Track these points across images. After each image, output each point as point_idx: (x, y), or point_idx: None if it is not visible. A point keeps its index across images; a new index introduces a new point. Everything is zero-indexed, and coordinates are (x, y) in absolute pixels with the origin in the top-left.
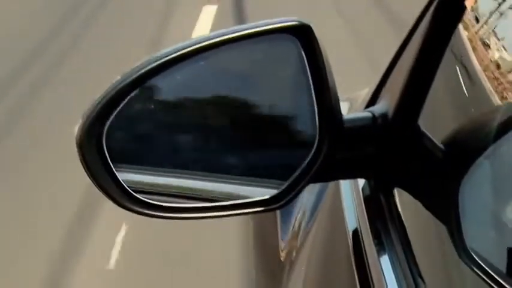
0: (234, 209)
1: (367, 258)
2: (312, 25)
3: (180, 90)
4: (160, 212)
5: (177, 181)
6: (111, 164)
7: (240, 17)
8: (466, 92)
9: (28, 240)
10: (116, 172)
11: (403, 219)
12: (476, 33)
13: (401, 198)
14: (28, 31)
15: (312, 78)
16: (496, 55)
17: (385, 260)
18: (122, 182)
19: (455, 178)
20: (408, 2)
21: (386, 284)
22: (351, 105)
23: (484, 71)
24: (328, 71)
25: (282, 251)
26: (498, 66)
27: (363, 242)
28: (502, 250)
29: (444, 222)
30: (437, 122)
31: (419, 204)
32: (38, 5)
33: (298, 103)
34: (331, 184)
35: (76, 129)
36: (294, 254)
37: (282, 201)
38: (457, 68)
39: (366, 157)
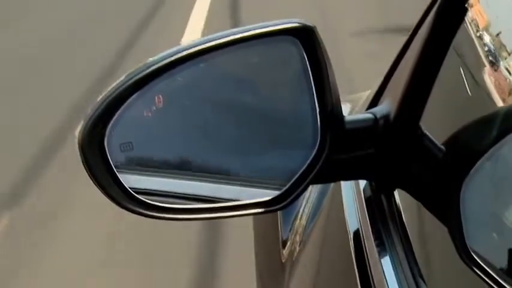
0: (236, 210)
1: (368, 259)
2: (315, 27)
3: (181, 92)
4: (162, 213)
5: (178, 182)
6: (112, 165)
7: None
8: (467, 93)
9: None
10: (117, 173)
11: (404, 220)
12: (478, 34)
13: (403, 199)
14: None
15: (314, 80)
16: (497, 56)
17: (386, 261)
18: (124, 184)
19: (456, 179)
20: None
21: (387, 284)
22: (353, 107)
23: (486, 72)
24: (330, 73)
25: (283, 251)
26: (499, 67)
27: (364, 242)
28: (502, 251)
29: (445, 223)
30: (439, 124)
31: (420, 205)
32: None
33: (299, 104)
34: (333, 185)
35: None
36: (295, 254)
37: (284, 203)
38: (460, 70)
39: (367, 158)
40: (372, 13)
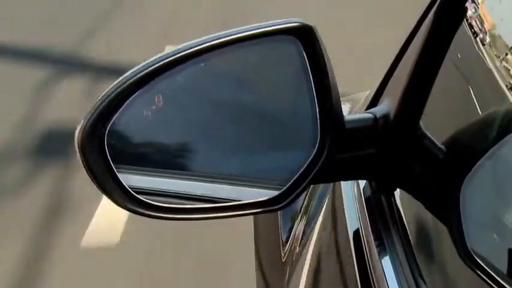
0: (236, 210)
1: (368, 259)
2: (315, 26)
3: (181, 92)
4: (161, 213)
5: (178, 182)
6: (112, 165)
7: None
8: (467, 93)
9: None
10: (117, 173)
11: (404, 220)
12: (478, 34)
13: (403, 199)
14: None
15: (314, 80)
16: (496, 55)
17: (386, 261)
18: (124, 183)
19: (456, 179)
20: None
21: (387, 284)
22: (352, 107)
23: (486, 72)
24: (330, 72)
25: (283, 251)
26: (500, 67)
27: (364, 242)
28: (502, 251)
29: (445, 223)
30: (438, 124)
31: (420, 205)
32: None
33: (299, 104)
34: (333, 185)
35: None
36: (295, 254)
37: (284, 202)
38: (460, 69)
39: (367, 158)
40: None
